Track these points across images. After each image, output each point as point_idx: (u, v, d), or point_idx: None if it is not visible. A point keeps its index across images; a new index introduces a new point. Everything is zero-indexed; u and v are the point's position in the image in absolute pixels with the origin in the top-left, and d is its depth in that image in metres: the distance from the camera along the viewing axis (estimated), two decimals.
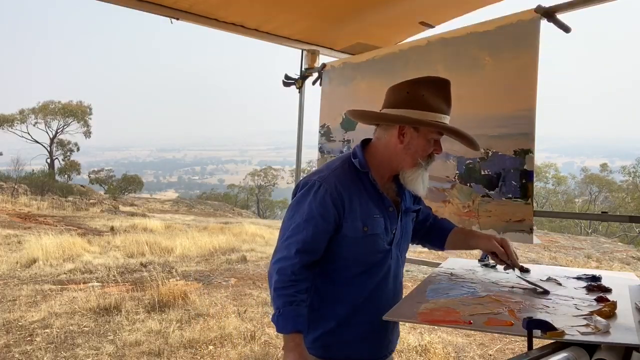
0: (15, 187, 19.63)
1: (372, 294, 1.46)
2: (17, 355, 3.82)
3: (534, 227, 2.03)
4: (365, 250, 1.44)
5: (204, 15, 2.53)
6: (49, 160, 31.05)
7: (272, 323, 1.36)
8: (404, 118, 1.39)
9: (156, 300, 5.27)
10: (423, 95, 1.40)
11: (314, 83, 3.08)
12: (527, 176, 2.00)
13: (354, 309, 1.45)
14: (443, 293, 1.66)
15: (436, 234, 1.73)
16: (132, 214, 17.72)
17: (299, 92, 3.14)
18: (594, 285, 1.71)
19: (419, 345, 4.08)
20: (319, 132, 3.04)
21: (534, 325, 1.22)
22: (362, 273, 1.45)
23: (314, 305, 1.41)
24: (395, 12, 2.57)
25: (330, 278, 1.44)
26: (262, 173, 38.74)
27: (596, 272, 1.87)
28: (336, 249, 1.41)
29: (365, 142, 1.53)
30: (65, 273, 6.87)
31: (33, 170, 26.60)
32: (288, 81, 3.15)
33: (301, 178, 1.53)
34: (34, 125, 30.69)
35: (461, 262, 2.20)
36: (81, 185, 27.37)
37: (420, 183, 1.49)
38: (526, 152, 2.00)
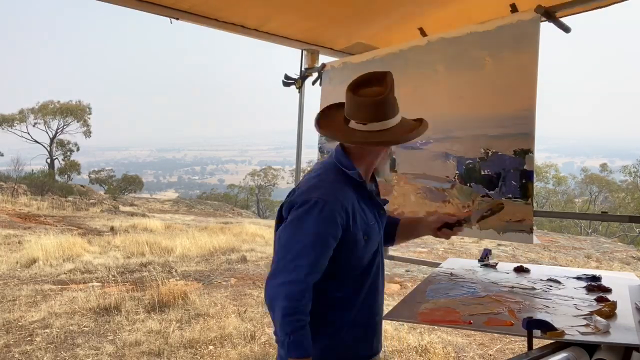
0: (15, 187, 19.62)
1: (368, 292, 1.47)
2: (17, 355, 3.82)
3: (534, 227, 2.02)
4: (364, 254, 1.45)
5: (204, 16, 2.53)
6: (49, 160, 31.04)
7: (271, 323, 1.35)
8: (364, 142, 1.41)
9: (156, 300, 5.27)
10: (365, 105, 1.39)
11: (313, 83, 3.08)
12: (527, 176, 2.00)
13: (356, 310, 1.45)
14: (443, 293, 1.66)
15: (387, 229, 1.67)
16: (132, 214, 17.71)
17: (299, 92, 3.14)
18: (594, 285, 1.71)
19: (419, 345, 4.08)
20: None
21: (534, 325, 1.22)
22: (360, 275, 1.46)
23: (319, 313, 1.37)
24: (395, 15, 2.57)
25: (336, 285, 1.42)
26: (262, 173, 38.73)
27: (596, 272, 1.87)
28: (337, 255, 1.39)
29: (342, 146, 1.48)
30: (65, 273, 6.87)
31: (33, 170, 26.59)
32: (288, 81, 3.14)
33: (297, 189, 1.41)
34: (33, 126, 30.68)
35: (461, 262, 2.20)
36: (81, 185, 27.35)
37: (388, 168, 1.56)
38: (526, 152, 2.00)
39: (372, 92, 1.39)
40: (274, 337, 1.32)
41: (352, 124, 1.41)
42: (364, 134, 1.39)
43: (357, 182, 1.44)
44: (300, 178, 3.38)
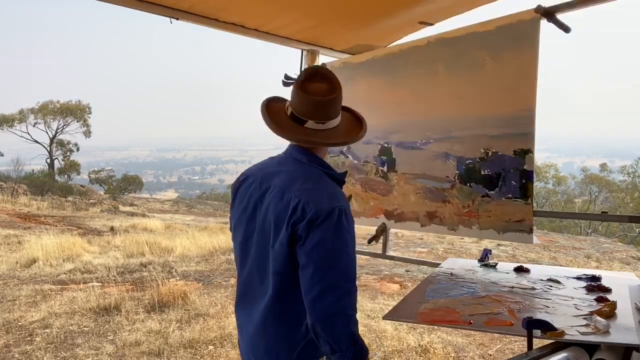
0: (15, 187, 19.63)
1: None
2: (17, 355, 3.82)
3: (534, 227, 2.03)
4: None
5: (204, 16, 2.53)
6: (48, 160, 31.04)
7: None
8: (339, 143, 1.43)
9: (156, 300, 5.26)
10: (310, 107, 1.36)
11: None
12: (527, 176, 2.00)
13: None
14: (443, 293, 1.66)
15: None
16: (132, 214, 17.71)
17: None
18: (594, 285, 1.71)
19: (419, 345, 4.08)
20: None
21: (534, 325, 1.22)
22: None
23: (296, 322, 1.33)
24: (395, 11, 2.57)
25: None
26: None
27: (596, 272, 1.88)
28: None
29: (306, 149, 1.40)
30: (65, 273, 6.87)
31: (33, 170, 26.59)
32: (288, 81, 3.13)
33: (304, 205, 1.28)
34: (33, 126, 30.67)
35: (461, 262, 2.20)
36: (81, 185, 27.35)
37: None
38: (526, 152, 2.00)
39: (322, 91, 1.35)
40: (332, 356, 1.25)
41: (311, 123, 1.35)
42: (326, 132, 1.36)
43: (342, 181, 1.42)
44: None
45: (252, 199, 1.40)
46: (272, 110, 1.42)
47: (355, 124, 1.47)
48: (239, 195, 1.46)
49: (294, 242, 1.27)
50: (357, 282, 1.31)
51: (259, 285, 1.38)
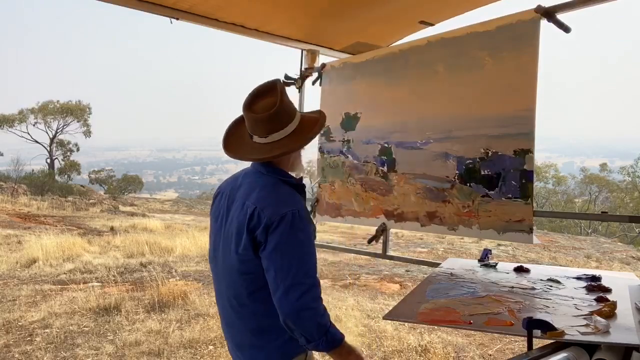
0: (15, 187, 19.63)
1: None
2: (17, 355, 3.82)
3: (534, 227, 2.03)
4: None
5: (204, 16, 2.53)
6: (48, 160, 31.03)
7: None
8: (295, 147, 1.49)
9: (156, 300, 5.27)
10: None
11: (313, 83, 3.08)
12: (527, 176, 2.00)
13: None
14: (443, 293, 1.66)
15: None
16: (132, 214, 17.71)
17: (299, 92, 3.14)
18: (594, 285, 1.71)
19: (419, 345, 4.08)
20: None
21: (534, 325, 1.22)
22: None
23: (274, 318, 1.42)
24: (395, 11, 2.57)
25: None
26: None
27: (596, 272, 1.87)
28: None
29: (265, 164, 1.51)
30: (65, 273, 6.87)
31: (33, 170, 26.58)
32: (288, 81, 3.15)
33: (260, 212, 1.40)
34: (33, 125, 30.66)
35: (461, 262, 2.20)
36: (81, 185, 27.35)
37: (301, 164, 1.63)
38: (526, 152, 2.00)
39: (261, 108, 1.45)
40: (309, 345, 1.36)
41: (256, 139, 1.48)
42: (269, 145, 1.47)
43: (300, 186, 1.53)
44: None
45: (221, 213, 1.55)
46: (237, 131, 1.57)
47: (313, 128, 1.53)
48: (213, 211, 1.62)
49: (257, 248, 1.39)
50: (318, 277, 1.41)
51: (232, 292, 1.49)
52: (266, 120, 1.43)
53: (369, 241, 2.75)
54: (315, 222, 2.92)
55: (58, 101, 31.22)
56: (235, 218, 1.45)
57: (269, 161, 1.49)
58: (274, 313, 1.40)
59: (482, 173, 2.15)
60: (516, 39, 2.04)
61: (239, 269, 1.44)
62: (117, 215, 17.07)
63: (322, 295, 1.40)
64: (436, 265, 2.33)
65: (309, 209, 3.09)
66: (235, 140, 1.55)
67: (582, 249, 13.18)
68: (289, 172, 1.54)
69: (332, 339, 1.35)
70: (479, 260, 2.21)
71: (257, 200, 1.42)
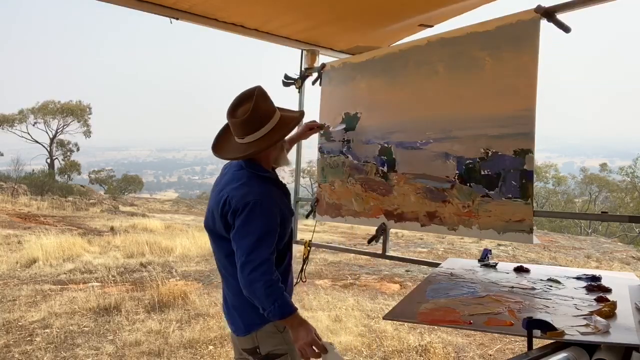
0: (15, 187, 19.62)
1: (287, 265, 1.87)
2: (17, 355, 3.82)
3: (534, 227, 2.02)
4: (289, 240, 1.86)
5: (204, 16, 2.53)
6: (49, 160, 31.05)
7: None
8: (277, 137, 1.74)
9: (156, 300, 5.27)
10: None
11: (313, 83, 3.08)
12: (527, 176, 2.00)
13: (287, 274, 1.86)
14: (443, 293, 1.66)
15: None
16: (132, 214, 17.71)
17: (299, 92, 3.14)
18: (594, 285, 1.71)
19: (419, 345, 4.08)
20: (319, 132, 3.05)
21: (534, 325, 1.22)
22: (287, 252, 1.85)
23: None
24: (395, 13, 2.57)
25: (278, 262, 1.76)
26: None
27: (596, 272, 1.87)
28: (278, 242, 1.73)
29: (245, 160, 1.75)
30: (65, 273, 6.87)
31: (33, 170, 26.59)
32: (288, 81, 3.14)
33: (230, 200, 1.67)
34: (33, 125, 30.68)
35: (461, 262, 2.20)
36: (81, 185, 27.35)
37: (286, 158, 1.89)
38: (526, 152, 2.00)
39: (238, 113, 1.68)
40: (264, 312, 1.58)
41: (236, 139, 1.74)
42: (245, 145, 1.71)
43: (274, 179, 1.80)
44: (300, 178, 3.38)
45: (215, 190, 1.81)
46: (226, 133, 1.82)
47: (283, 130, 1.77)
48: (213, 185, 1.88)
49: (228, 228, 1.68)
50: (276, 255, 1.67)
51: (217, 255, 1.82)
52: (242, 124, 1.68)
53: (369, 241, 2.74)
54: (314, 222, 2.92)
55: (58, 101, 31.23)
56: (215, 200, 1.75)
57: (249, 158, 1.73)
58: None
59: (482, 173, 2.15)
60: (516, 39, 2.04)
61: (219, 237, 1.75)
62: (117, 215, 17.06)
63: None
64: (436, 265, 2.33)
65: (310, 208, 3.09)
66: (224, 140, 1.82)
67: (582, 249, 13.19)
68: (272, 166, 1.82)
69: (281, 309, 1.56)
70: (479, 260, 2.21)
71: (231, 190, 1.69)
